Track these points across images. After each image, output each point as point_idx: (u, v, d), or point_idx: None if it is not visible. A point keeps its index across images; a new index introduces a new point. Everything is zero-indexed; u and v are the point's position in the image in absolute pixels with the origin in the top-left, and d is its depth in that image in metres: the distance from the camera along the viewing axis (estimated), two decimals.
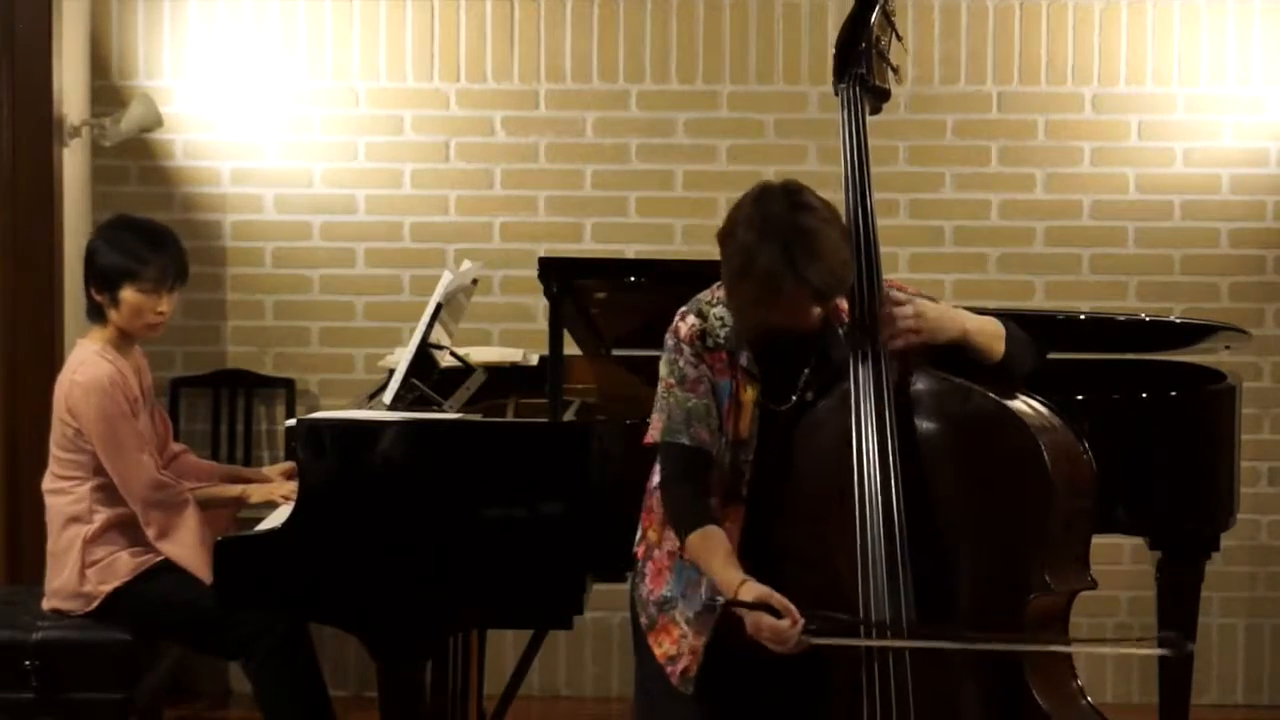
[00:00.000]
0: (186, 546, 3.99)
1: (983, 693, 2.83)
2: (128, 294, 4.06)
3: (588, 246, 5.43)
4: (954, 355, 2.94)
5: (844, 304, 2.99)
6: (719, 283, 2.99)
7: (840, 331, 2.99)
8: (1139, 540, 4.33)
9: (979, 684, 2.82)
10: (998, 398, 2.87)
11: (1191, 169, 5.44)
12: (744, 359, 2.95)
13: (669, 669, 2.98)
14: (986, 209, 5.46)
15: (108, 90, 5.46)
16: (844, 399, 2.88)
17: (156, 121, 5.28)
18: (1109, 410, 3.98)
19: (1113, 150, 5.45)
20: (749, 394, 2.95)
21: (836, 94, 3.01)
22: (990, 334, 2.95)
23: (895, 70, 3.07)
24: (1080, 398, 3.92)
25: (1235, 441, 4.15)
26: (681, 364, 2.96)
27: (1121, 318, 4.91)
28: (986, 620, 2.80)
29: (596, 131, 5.47)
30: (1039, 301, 5.43)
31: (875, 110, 3.04)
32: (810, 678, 2.88)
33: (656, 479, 3.07)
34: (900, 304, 2.88)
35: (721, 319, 2.98)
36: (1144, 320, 4.73)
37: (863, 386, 2.85)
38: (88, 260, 4.11)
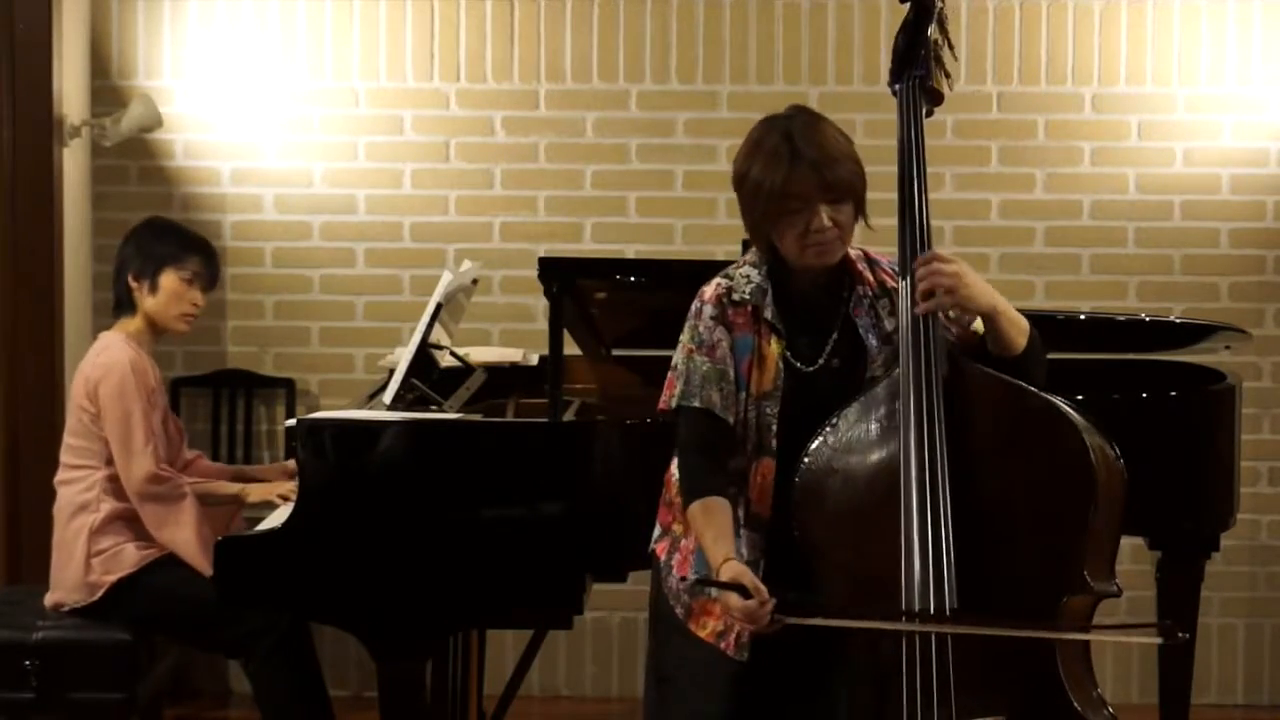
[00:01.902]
0: (182, 532, 3.98)
1: (1019, 688, 2.84)
2: (168, 279, 4.10)
3: (588, 246, 5.43)
4: (974, 353, 2.96)
5: (870, 275, 3.03)
6: (743, 257, 3.07)
7: (866, 300, 3.02)
8: (1139, 540, 4.33)
9: (1016, 678, 2.83)
10: (1048, 397, 2.89)
11: (1191, 169, 5.44)
12: (769, 313, 2.99)
13: (722, 644, 3.00)
14: (986, 209, 5.46)
15: (108, 90, 5.46)
16: (890, 390, 2.90)
17: (156, 121, 5.28)
18: (1109, 410, 3.97)
19: (1113, 150, 5.45)
20: (773, 347, 2.98)
21: (894, 94, 3.08)
22: (1017, 324, 2.98)
23: (949, 76, 3.14)
24: (1080, 398, 3.92)
25: (1235, 441, 4.15)
26: (701, 328, 3.00)
27: (1121, 318, 4.91)
28: (1021, 617, 2.81)
29: (596, 131, 5.47)
30: (1039, 301, 5.43)
31: (929, 113, 3.10)
32: (832, 653, 2.90)
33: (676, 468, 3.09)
34: (945, 260, 2.90)
35: (747, 276, 3.02)
36: (1144, 320, 4.73)
37: (912, 377, 2.87)
38: (129, 246, 4.13)
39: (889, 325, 3.02)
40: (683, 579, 3.05)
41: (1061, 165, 5.46)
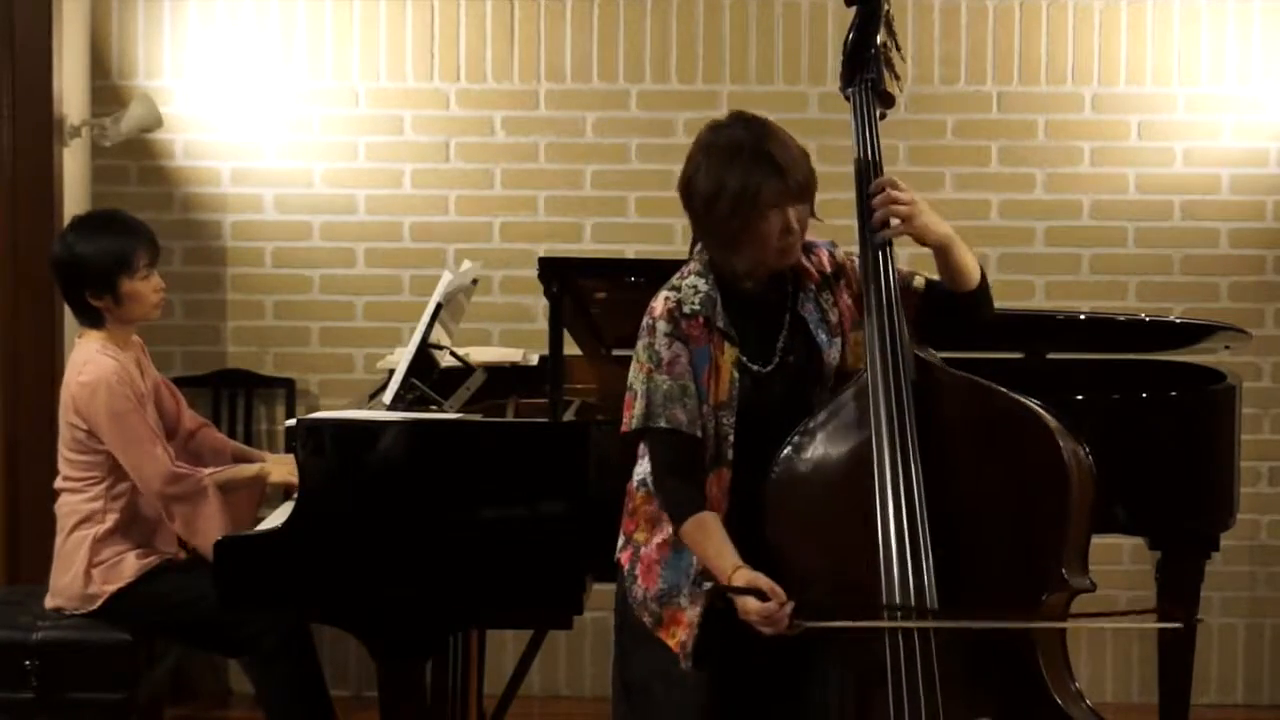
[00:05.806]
0: (213, 533, 3.93)
1: (1003, 687, 2.84)
2: (129, 286, 4.05)
3: (588, 246, 5.43)
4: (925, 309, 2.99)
5: (810, 265, 3.04)
6: (685, 267, 3.05)
7: (811, 295, 3.02)
8: (1139, 540, 4.33)
9: (996, 678, 2.84)
10: (1017, 397, 2.89)
11: (1191, 169, 5.44)
12: (720, 320, 2.98)
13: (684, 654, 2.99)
14: (986, 209, 5.46)
15: (108, 90, 5.46)
16: (859, 395, 2.90)
17: (156, 121, 5.28)
18: (1109, 410, 3.98)
19: (1113, 150, 5.45)
20: (727, 356, 2.97)
21: (846, 98, 3.07)
22: (970, 256, 3.02)
23: (899, 78, 3.14)
24: (1080, 398, 3.92)
25: (1235, 441, 4.15)
26: (657, 345, 2.97)
27: (1121, 318, 4.90)
28: (1004, 619, 2.82)
29: (596, 131, 5.47)
30: (1039, 301, 5.43)
31: (882, 115, 3.10)
32: (808, 656, 2.91)
33: (637, 478, 3.09)
34: (901, 189, 2.93)
35: (694, 287, 3.00)
36: (1144, 320, 4.73)
37: (881, 382, 2.87)
38: (72, 269, 4.06)
39: (834, 316, 3.02)
40: (648, 588, 3.05)
41: (1061, 165, 5.46)
